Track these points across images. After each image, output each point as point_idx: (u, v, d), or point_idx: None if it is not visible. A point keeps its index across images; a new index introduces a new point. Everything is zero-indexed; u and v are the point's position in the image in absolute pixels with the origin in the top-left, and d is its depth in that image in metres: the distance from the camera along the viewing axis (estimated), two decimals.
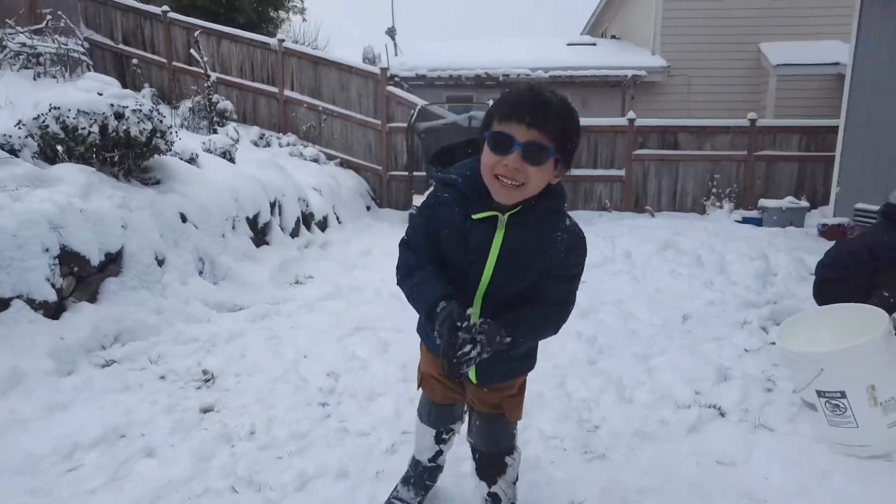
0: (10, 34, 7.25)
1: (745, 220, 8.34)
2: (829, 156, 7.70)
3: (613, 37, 14.79)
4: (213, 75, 8.74)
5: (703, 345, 3.08)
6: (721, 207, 9.11)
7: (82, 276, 3.10)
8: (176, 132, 4.18)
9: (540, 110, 1.25)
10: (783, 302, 3.87)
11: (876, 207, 6.12)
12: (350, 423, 2.29)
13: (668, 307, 3.78)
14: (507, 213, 1.36)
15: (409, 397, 2.48)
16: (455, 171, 1.44)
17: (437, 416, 1.70)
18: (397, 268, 1.47)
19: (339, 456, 2.03)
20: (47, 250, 2.86)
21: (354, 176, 9.29)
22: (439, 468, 1.83)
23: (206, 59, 8.50)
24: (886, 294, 2.43)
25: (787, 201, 8.26)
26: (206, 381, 2.72)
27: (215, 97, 8.53)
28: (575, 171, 9.50)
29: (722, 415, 2.32)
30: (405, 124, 9.01)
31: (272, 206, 5.37)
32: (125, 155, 3.79)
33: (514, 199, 1.33)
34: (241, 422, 2.29)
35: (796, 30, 11.46)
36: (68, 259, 2.99)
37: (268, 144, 9.00)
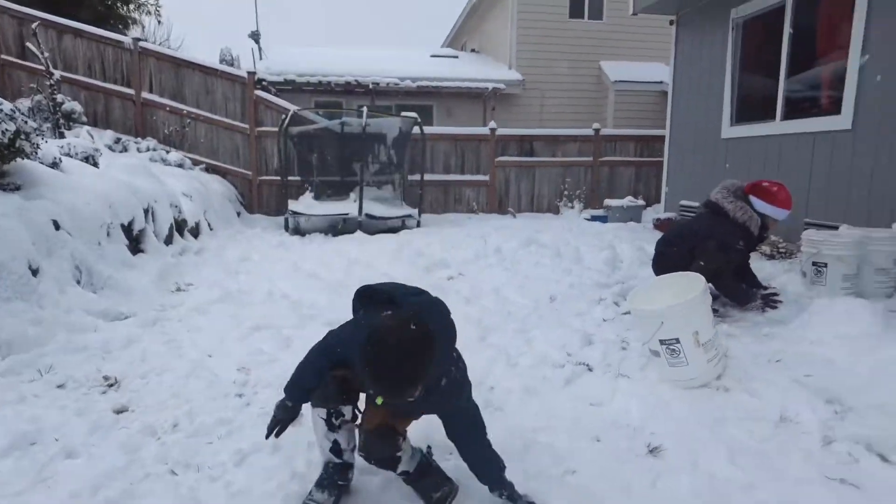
0: None
1: (594, 218, 9.44)
2: (659, 161, 9.02)
3: (473, 50, 15.75)
4: (57, 73, 8.00)
5: (569, 319, 3.63)
6: (572, 207, 10.21)
7: None
8: (43, 135, 3.92)
9: (400, 395, 1.53)
10: (629, 282, 4.61)
11: (696, 204, 7.37)
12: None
13: (537, 291, 4.34)
14: None
15: None
16: (348, 350, 1.72)
17: (324, 395, 1.83)
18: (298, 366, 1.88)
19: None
20: None
21: (222, 181, 9.00)
22: (347, 465, 1.90)
23: (46, 54, 7.74)
24: (702, 263, 3.13)
25: (628, 200, 9.49)
26: (110, 385, 2.68)
27: (60, 97, 7.81)
28: (445, 177, 10.09)
29: (590, 369, 2.84)
30: (276, 129, 8.94)
31: (146, 212, 5.16)
32: None
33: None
34: (162, 417, 2.35)
35: (629, 52, 13.15)
36: None
37: (125, 149, 8.40)
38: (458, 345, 3.23)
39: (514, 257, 5.76)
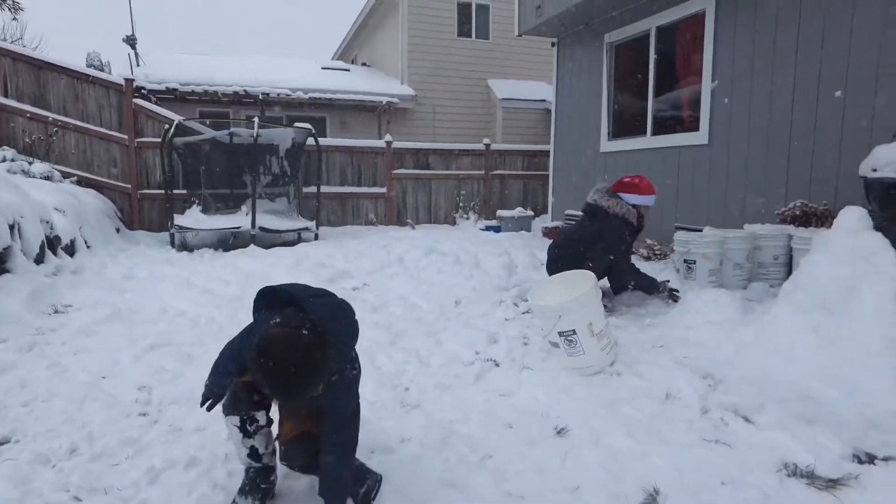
0: None
1: (488, 228, 9.85)
2: (545, 174, 9.62)
3: (364, 64, 15.82)
4: None
5: (474, 320, 3.81)
6: (468, 219, 10.59)
7: None
8: None
9: (292, 398, 1.60)
10: (525, 284, 4.91)
11: (579, 213, 7.96)
12: (182, 423, 2.35)
13: (442, 296, 4.49)
14: None
15: None
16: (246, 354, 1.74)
17: (233, 401, 1.84)
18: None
19: (183, 449, 2.12)
20: None
21: (98, 195, 8.27)
22: (268, 469, 1.90)
23: None
24: (591, 265, 3.45)
25: (518, 211, 10.00)
26: None
27: None
28: (342, 189, 10.04)
29: (497, 364, 3.02)
30: (158, 139, 8.42)
31: (11, 228, 4.66)
32: None
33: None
34: (55, 443, 2.18)
35: (516, 70, 13.91)
36: None
37: None
38: (371, 349, 3.29)
39: (418, 265, 5.89)
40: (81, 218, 6.76)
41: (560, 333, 2.70)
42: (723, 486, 1.79)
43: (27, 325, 3.69)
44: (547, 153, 9.35)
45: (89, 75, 8.52)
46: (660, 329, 3.19)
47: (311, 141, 8.64)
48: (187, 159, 8.60)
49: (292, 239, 8.17)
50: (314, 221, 8.61)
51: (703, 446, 2.04)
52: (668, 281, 4.01)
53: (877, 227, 2.69)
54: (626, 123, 7.23)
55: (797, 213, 4.44)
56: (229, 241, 7.88)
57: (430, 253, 6.46)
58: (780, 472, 1.82)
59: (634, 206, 3.92)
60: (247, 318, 3.69)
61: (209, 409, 1.85)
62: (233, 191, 8.64)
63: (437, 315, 4.01)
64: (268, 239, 7.76)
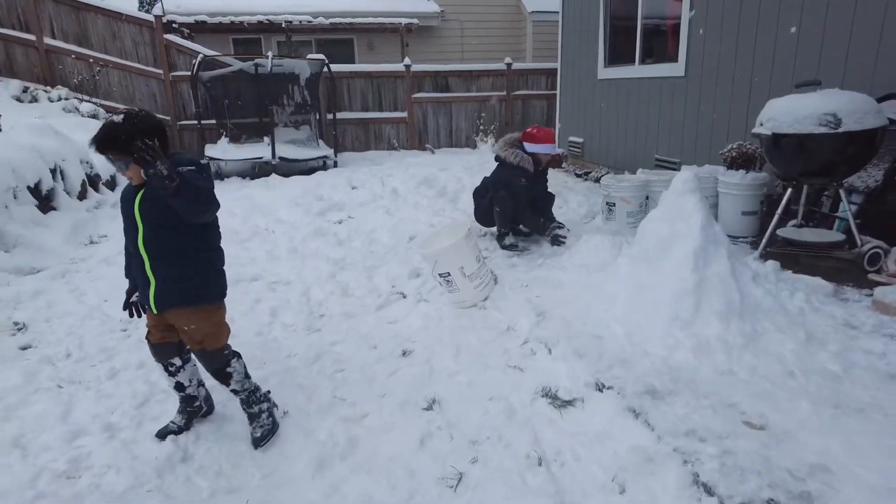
0: None
1: None
2: None
3: None
4: None
5: (414, 256, 4.44)
6: (486, 142, 10.87)
7: None
8: None
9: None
10: None
11: (580, 139, 8.15)
12: None
13: (404, 232, 5.12)
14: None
15: None
16: None
17: (156, 352, 2.35)
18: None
19: (140, 357, 2.99)
20: None
21: None
22: (191, 398, 2.42)
23: None
24: (497, 209, 4.00)
25: None
26: (20, 329, 3.40)
27: None
28: (364, 114, 10.51)
29: (404, 297, 3.70)
30: (190, 73, 9.16)
31: (53, 172, 5.63)
32: None
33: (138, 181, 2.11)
34: (58, 349, 3.11)
35: None
36: None
37: (34, 99, 8.53)
38: (310, 282, 4.01)
39: (406, 199, 6.48)
40: None
41: (439, 275, 3.33)
42: (490, 400, 2.44)
43: (64, 256, 4.69)
44: None
45: (122, 14, 9.23)
46: (543, 269, 3.73)
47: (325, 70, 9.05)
48: (215, 92, 9.33)
49: (312, 167, 8.86)
50: (333, 149, 9.26)
51: (503, 370, 2.67)
52: (563, 226, 4.43)
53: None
54: (619, 51, 7.22)
55: (734, 154, 4.64)
56: (255, 170, 8.68)
57: (421, 184, 7.00)
58: (537, 394, 2.43)
59: (533, 153, 4.34)
60: (236, 252, 4.49)
61: (126, 307, 2.43)
62: (261, 119, 9.31)
63: (388, 250, 4.68)
64: (288, 168, 8.50)
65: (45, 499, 2.01)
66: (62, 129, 6.48)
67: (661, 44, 6.51)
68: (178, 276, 2.18)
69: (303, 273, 4.20)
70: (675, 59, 6.07)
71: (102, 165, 6.84)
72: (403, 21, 12.13)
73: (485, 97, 10.91)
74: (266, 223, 5.66)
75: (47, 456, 2.23)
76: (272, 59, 8.57)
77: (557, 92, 9.08)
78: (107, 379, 2.80)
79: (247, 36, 11.93)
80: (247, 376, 2.39)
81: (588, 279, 3.28)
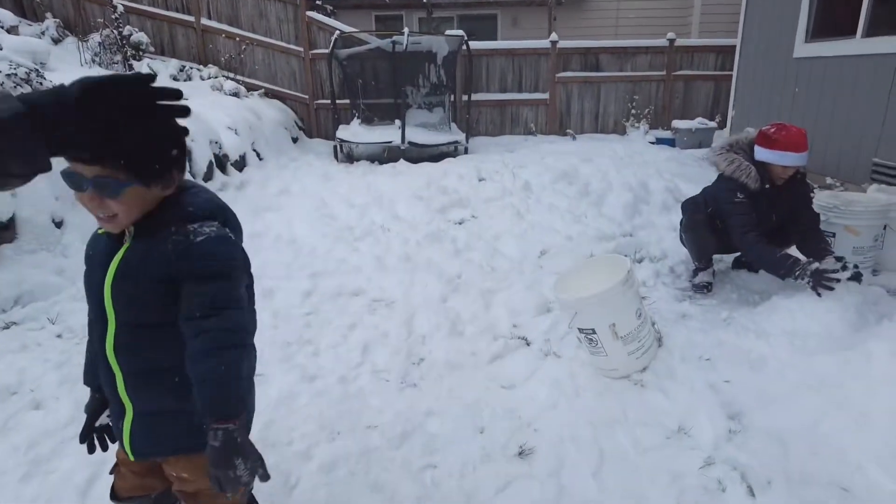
0: None
1: (659, 141, 8.76)
2: None
3: None
4: (119, 4, 8.36)
5: (543, 279, 3.55)
6: (638, 128, 9.49)
7: None
8: None
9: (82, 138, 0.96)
10: (638, 233, 4.36)
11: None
12: None
13: (533, 242, 4.22)
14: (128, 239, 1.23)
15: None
16: None
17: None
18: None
19: None
20: None
21: (280, 107, 9.24)
22: None
23: None
24: (685, 236, 2.94)
25: (697, 122, 8.65)
26: None
27: (127, 29, 8.22)
28: (501, 96, 9.66)
29: (528, 344, 2.82)
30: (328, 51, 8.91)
31: None
32: None
33: (119, 229, 1.21)
34: None
35: None
36: None
37: (189, 78, 8.81)
38: (417, 307, 3.28)
39: (538, 196, 5.56)
40: (256, 133, 7.64)
41: (580, 330, 2.40)
42: None
43: None
44: None
45: None
46: (730, 331, 2.61)
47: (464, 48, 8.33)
48: (351, 70, 9.00)
49: (442, 152, 8.23)
50: (465, 134, 8.55)
51: None
52: (841, 259, 2.79)
53: None
54: (832, 19, 5.56)
55: None
56: (384, 154, 8.25)
57: (560, 179, 6.02)
58: None
59: (760, 163, 3.10)
60: (341, 254, 3.94)
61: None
62: (395, 100, 8.82)
63: (512, 268, 3.82)
64: (417, 153, 7.96)
65: None
66: (198, 108, 6.40)
67: None
68: (170, 408, 1.26)
69: (410, 291, 3.48)
70: None
71: (232, 145, 6.72)
72: None
73: (641, 77, 9.50)
74: (382, 219, 5.07)
75: None
76: (408, 35, 7.98)
77: (734, 72, 7.50)
78: None
79: (388, 13, 11.53)
80: None
81: (810, 364, 2.16)
